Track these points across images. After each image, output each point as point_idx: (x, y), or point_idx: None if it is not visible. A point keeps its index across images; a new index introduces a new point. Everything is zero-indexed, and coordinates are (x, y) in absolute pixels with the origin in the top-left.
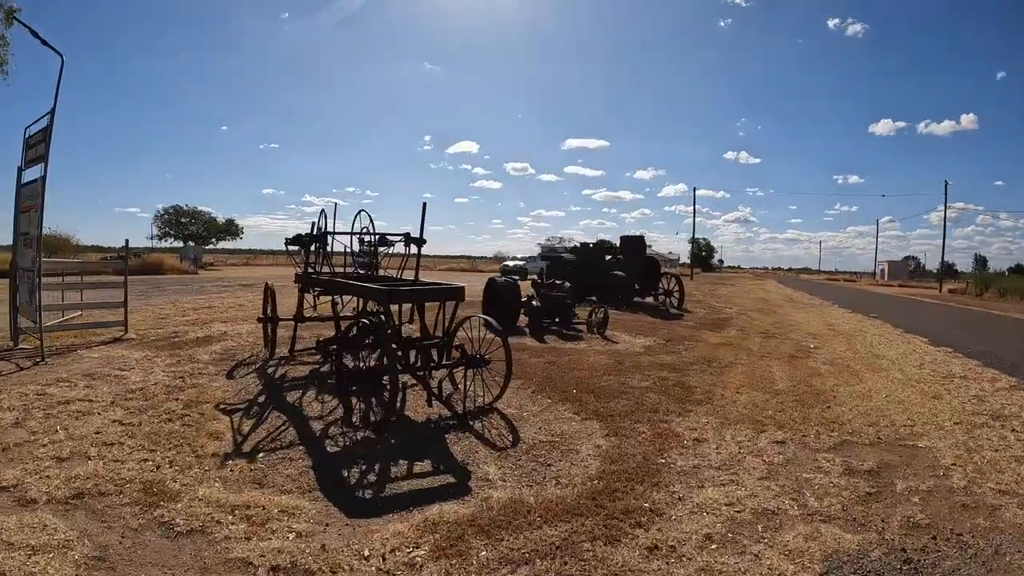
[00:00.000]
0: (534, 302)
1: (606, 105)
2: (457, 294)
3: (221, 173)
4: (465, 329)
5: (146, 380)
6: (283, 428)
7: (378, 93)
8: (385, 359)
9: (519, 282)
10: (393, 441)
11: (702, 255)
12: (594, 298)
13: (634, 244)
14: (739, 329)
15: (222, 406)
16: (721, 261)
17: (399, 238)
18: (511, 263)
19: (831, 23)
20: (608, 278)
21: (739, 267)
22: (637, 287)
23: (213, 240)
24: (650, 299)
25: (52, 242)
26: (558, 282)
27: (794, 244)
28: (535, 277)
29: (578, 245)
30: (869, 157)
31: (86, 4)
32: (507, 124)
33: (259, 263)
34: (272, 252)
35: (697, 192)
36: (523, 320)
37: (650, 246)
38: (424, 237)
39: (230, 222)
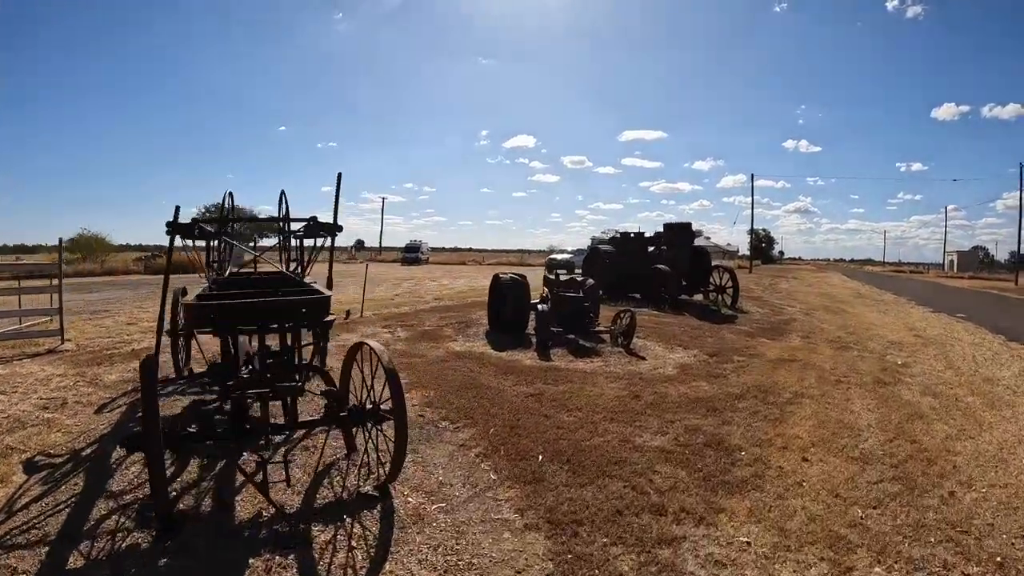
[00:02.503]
0: (540, 306)
1: (662, 95)
2: (316, 310)
3: (281, 172)
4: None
5: (2, 412)
6: (57, 509)
7: (433, 89)
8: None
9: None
10: (164, 561)
11: (762, 247)
12: (638, 295)
13: (680, 233)
14: (804, 336)
15: (37, 459)
16: (782, 253)
17: (303, 223)
18: (559, 256)
19: (890, 5)
20: (649, 273)
21: (800, 258)
22: (684, 283)
23: (256, 237)
24: (700, 297)
25: (85, 241)
26: (580, 278)
27: (856, 235)
28: (579, 272)
29: (617, 234)
30: (932, 143)
31: (142, 13)
32: (563, 117)
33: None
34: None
35: (757, 182)
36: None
37: (708, 237)
38: (340, 223)
39: (273, 219)
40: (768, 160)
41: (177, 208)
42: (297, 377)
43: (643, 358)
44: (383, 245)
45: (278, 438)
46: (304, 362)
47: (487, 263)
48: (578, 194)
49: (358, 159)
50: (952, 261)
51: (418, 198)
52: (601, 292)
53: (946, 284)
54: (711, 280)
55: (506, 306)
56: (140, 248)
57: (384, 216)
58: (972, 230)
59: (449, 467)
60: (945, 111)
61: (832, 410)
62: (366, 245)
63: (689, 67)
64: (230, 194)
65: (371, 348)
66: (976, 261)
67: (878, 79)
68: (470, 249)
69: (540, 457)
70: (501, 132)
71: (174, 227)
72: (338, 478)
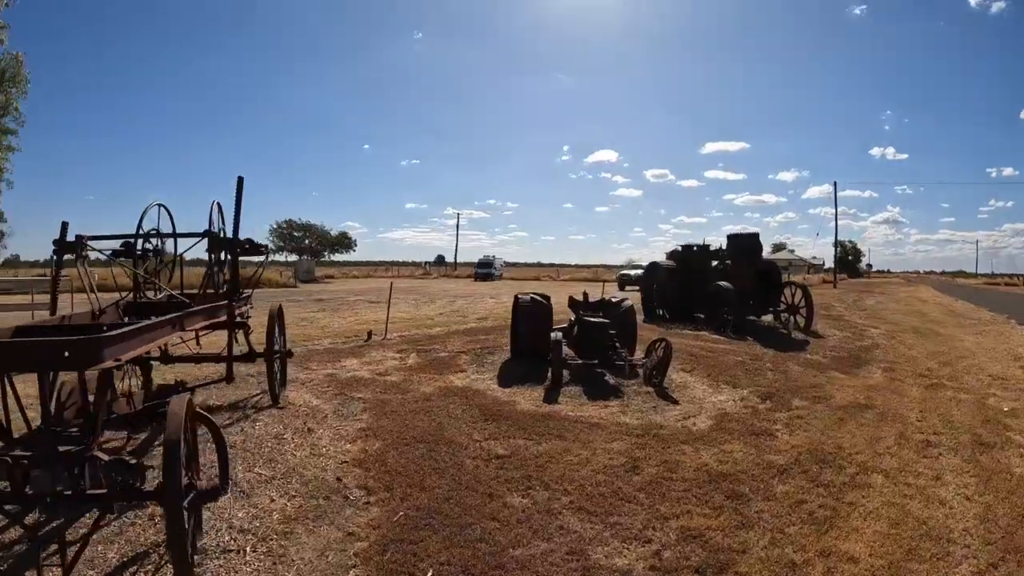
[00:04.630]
0: (554, 333)
1: (743, 105)
2: (77, 353)
3: (365, 189)
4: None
5: None
6: None
7: (514, 106)
8: None
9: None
10: None
11: (848, 259)
12: (702, 316)
13: (745, 245)
14: (887, 368)
15: None
16: (869, 265)
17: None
18: (631, 271)
19: (973, 1)
20: (712, 291)
21: (888, 271)
22: (751, 302)
23: (326, 253)
24: (770, 317)
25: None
26: (616, 299)
27: (947, 245)
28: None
29: (679, 248)
30: (1023, 146)
31: (228, 40)
32: (645, 130)
33: (379, 275)
34: (397, 264)
35: (842, 192)
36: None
37: (793, 250)
38: (251, 239)
39: (343, 235)
40: (853, 169)
41: (64, 224)
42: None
43: (675, 402)
44: (459, 261)
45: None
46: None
47: (561, 279)
48: (661, 208)
49: (441, 175)
50: None
51: (501, 214)
52: (663, 312)
53: None
54: (782, 298)
55: (523, 332)
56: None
57: (464, 232)
58: None
59: (307, 571)
60: None
61: (913, 499)
62: (447, 260)
63: (768, 75)
64: (160, 206)
65: (184, 399)
66: None
67: (964, 80)
68: (551, 264)
69: (431, 573)
70: (582, 147)
71: (60, 245)
72: (151, 567)
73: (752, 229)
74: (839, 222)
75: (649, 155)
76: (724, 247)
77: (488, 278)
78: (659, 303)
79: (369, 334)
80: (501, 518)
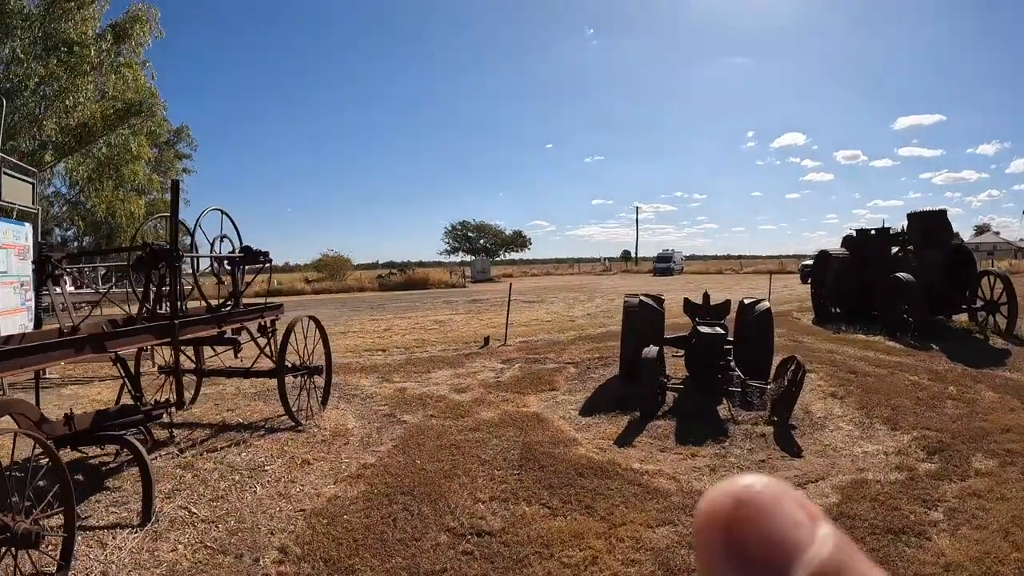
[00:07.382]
0: (646, 349)
1: (935, 73)
2: None
3: (551, 188)
4: None
5: None
6: None
7: (693, 94)
8: None
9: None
10: None
11: None
12: (876, 313)
13: (930, 226)
14: None
15: None
16: None
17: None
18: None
19: None
20: (886, 285)
21: None
22: (938, 299)
23: (502, 252)
24: (965, 316)
25: (330, 263)
26: (749, 300)
27: None
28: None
29: (852, 233)
30: None
31: (412, 60)
32: (832, 109)
33: (558, 272)
34: (580, 260)
35: None
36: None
37: (998, 232)
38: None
39: (517, 234)
40: None
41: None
42: None
43: (797, 453)
44: (646, 255)
45: None
46: None
47: (744, 271)
48: (854, 192)
49: (626, 170)
50: None
51: (688, 206)
52: (836, 310)
53: None
54: (979, 293)
55: (625, 344)
56: (390, 265)
57: (652, 226)
58: None
59: None
60: None
61: None
62: (631, 255)
63: (961, 38)
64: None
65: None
66: None
67: None
68: (738, 257)
69: None
70: (767, 131)
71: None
72: None
73: (938, 207)
74: None
75: (838, 135)
76: (900, 230)
77: (667, 272)
78: (831, 300)
79: (486, 340)
80: None
